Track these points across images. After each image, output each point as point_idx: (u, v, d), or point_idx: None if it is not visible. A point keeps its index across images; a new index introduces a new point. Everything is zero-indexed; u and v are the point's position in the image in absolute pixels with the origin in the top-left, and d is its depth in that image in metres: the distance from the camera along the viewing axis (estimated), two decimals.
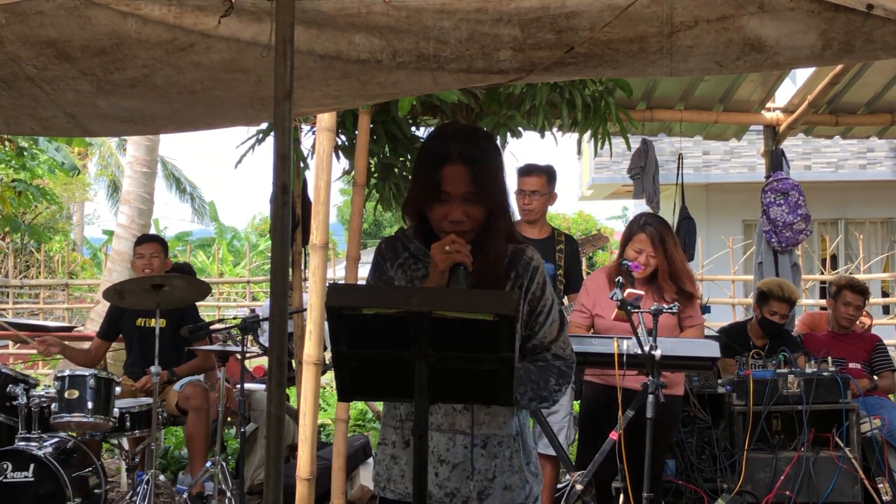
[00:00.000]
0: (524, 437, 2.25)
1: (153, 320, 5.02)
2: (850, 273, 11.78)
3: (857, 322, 5.95)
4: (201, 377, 5.44)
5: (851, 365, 5.64)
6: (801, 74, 7.94)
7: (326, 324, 1.95)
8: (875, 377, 5.68)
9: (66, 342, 5.59)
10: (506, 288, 2.17)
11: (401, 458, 2.19)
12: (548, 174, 5.02)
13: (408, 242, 2.25)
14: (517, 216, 5.11)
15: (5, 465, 4.42)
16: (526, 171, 5.00)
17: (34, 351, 11.94)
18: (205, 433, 5.11)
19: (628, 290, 3.88)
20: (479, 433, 2.14)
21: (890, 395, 5.87)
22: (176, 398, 5.20)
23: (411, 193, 2.24)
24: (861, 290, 5.82)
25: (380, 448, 2.26)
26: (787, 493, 4.91)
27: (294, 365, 5.23)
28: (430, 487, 2.11)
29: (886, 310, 12.56)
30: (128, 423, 4.88)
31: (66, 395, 4.60)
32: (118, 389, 4.79)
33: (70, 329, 9.00)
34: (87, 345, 6.00)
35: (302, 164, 5.33)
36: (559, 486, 4.87)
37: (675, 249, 4.22)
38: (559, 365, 2.23)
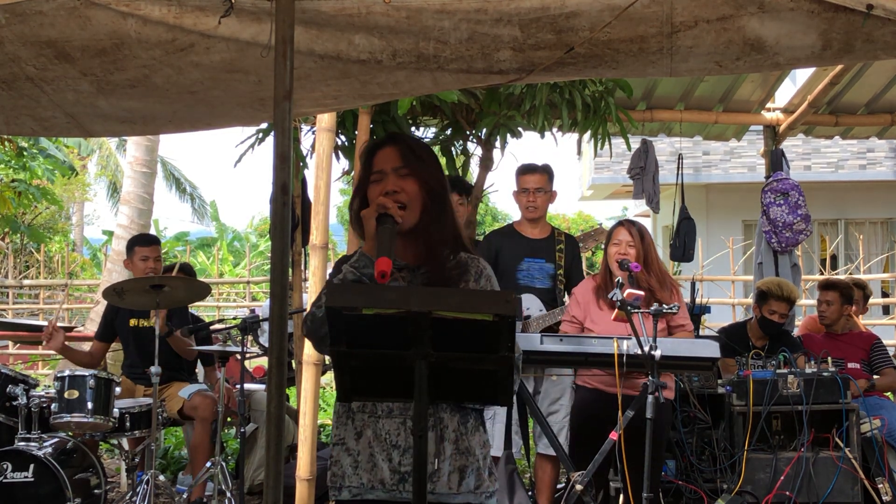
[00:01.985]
0: (475, 421, 2.24)
1: (147, 320, 5.01)
2: (850, 273, 11.79)
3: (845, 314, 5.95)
4: (205, 386, 5.38)
5: (850, 365, 5.64)
6: (801, 74, 7.94)
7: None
8: (875, 376, 5.68)
9: (67, 343, 5.58)
10: None
11: (354, 450, 2.19)
12: (548, 172, 5.03)
13: (351, 257, 2.27)
14: (519, 215, 5.12)
15: (5, 466, 4.42)
16: (528, 170, 5.00)
17: (34, 351, 11.94)
18: (209, 444, 5.08)
19: (628, 291, 3.88)
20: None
21: (889, 395, 5.87)
22: (181, 404, 5.17)
23: (352, 201, 2.34)
24: (828, 286, 5.89)
25: (335, 450, 2.23)
26: (787, 493, 4.90)
27: (294, 365, 5.22)
28: (383, 475, 2.14)
29: (886, 310, 12.56)
30: (128, 424, 4.87)
31: (65, 395, 4.59)
32: (118, 390, 4.78)
33: (70, 329, 8.98)
34: (87, 346, 6.00)
35: (301, 164, 5.32)
36: (559, 486, 4.87)
37: (653, 247, 4.23)
38: None
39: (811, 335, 5.97)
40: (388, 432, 2.16)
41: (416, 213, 2.22)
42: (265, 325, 5.08)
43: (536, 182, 4.95)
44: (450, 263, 2.26)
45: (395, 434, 2.16)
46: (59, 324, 5.74)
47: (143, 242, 5.55)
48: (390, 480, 2.15)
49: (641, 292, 3.97)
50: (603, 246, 4.50)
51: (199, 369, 5.98)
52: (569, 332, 4.31)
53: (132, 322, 5.37)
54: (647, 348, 3.68)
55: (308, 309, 2.27)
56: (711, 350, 3.99)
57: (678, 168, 7.09)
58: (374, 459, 2.17)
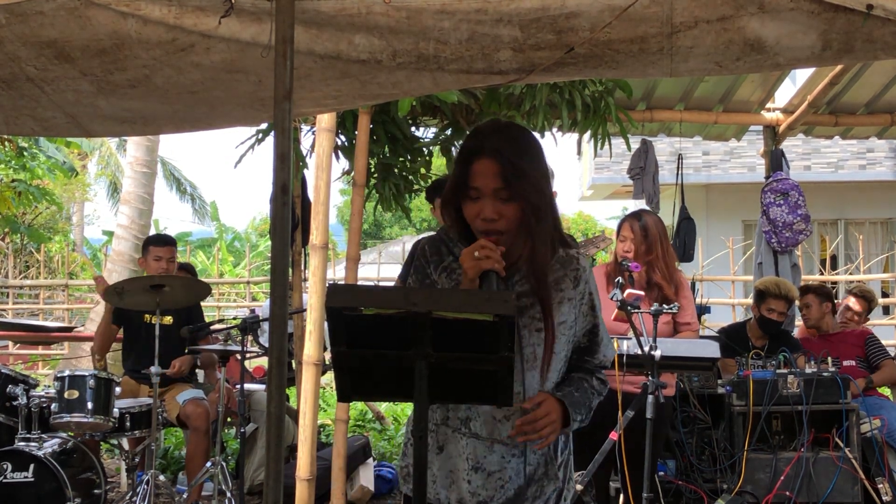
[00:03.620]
0: (561, 443, 2.22)
1: (163, 317, 4.98)
2: (850, 273, 11.79)
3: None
4: (202, 393, 5.35)
5: (846, 363, 5.62)
6: (801, 74, 7.94)
7: (326, 324, 1.95)
8: (873, 371, 5.67)
9: (67, 343, 5.58)
10: (555, 299, 2.12)
11: (433, 464, 2.14)
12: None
13: (452, 246, 2.18)
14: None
15: (5, 466, 4.42)
16: None
17: (34, 351, 11.92)
18: (204, 453, 5.06)
19: (628, 291, 3.88)
20: (519, 443, 2.10)
21: (889, 395, 5.87)
22: (177, 409, 5.17)
23: (446, 191, 2.17)
24: (804, 290, 5.97)
25: (408, 448, 2.23)
26: (787, 493, 4.91)
27: (294, 365, 5.22)
28: (463, 495, 2.12)
29: (886, 310, 12.56)
30: (128, 424, 4.87)
31: (65, 395, 4.59)
32: (118, 389, 4.78)
33: (70, 329, 8.99)
34: (87, 346, 5.99)
35: (301, 164, 5.32)
36: None
37: (660, 243, 4.19)
38: (598, 380, 2.24)
39: (808, 338, 5.98)
40: (472, 454, 2.11)
41: (512, 234, 2.08)
42: (265, 325, 5.08)
43: None
44: (545, 270, 2.12)
45: (481, 457, 2.11)
46: (58, 324, 5.73)
47: (157, 243, 5.53)
48: (469, 501, 2.12)
49: (641, 292, 3.97)
50: (605, 252, 4.50)
51: (199, 369, 5.98)
52: None
53: (146, 317, 5.28)
54: (647, 348, 3.68)
55: None
56: (711, 350, 3.99)
57: (678, 168, 7.09)
58: (453, 477, 2.13)
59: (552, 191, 2.19)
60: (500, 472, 2.11)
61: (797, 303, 5.95)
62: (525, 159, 2.07)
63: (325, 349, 4.13)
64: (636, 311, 3.77)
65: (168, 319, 4.88)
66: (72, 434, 4.76)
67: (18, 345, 12.04)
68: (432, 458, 2.14)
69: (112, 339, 5.50)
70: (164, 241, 5.57)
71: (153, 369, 4.64)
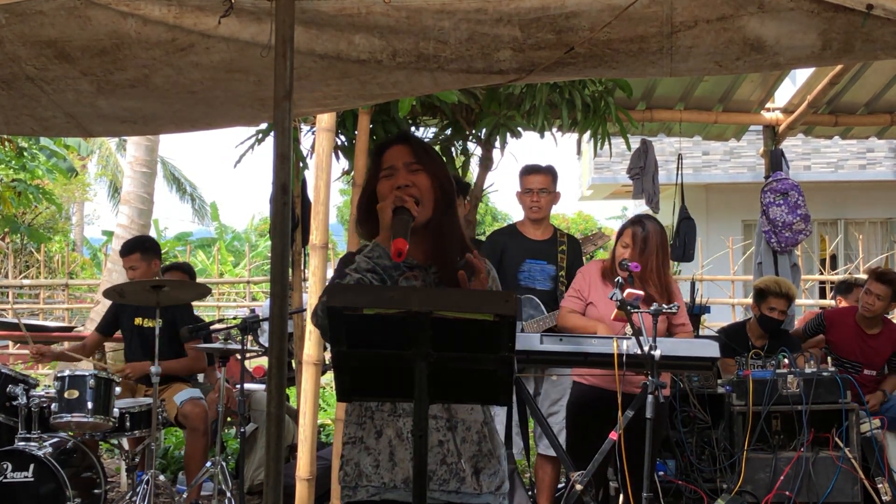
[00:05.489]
0: (493, 426, 2.27)
1: (151, 320, 5.00)
2: (850, 273, 11.78)
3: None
4: (199, 393, 5.34)
5: (866, 371, 5.56)
6: (801, 74, 7.94)
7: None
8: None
9: (66, 343, 5.57)
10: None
11: (374, 449, 2.17)
12: (552, 173, 5.03)
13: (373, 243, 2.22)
14: (521, 215, 5.12)
15: (5, 465, 4.42)
16: (532, 170, 4.99)
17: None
18: (202, 453, 5.05)
19: (628, 290, 3.88)
20: (448, 416, 2.17)
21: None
22: (176, 409, 5.16)
23: (363, 188, 2.35)
24: (883, 279, 5.59)
25: (349, 449, 2.21)
26: (787, 493, 4.91)
27: (294, 365, 5.22)
28: (406, 474, 2.13)
29: None
30: (128, 423, 4.87)
31: (66, 395, 4.59)
32: (118, 389, 4.78)
33: (70, 329, 8.99)
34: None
35: (301, 164, 5.32)
36: (559, 486, 4.87)
37: (657, 254, 4.17)
38: None
39: (840, 316, 5.79)
40: (411, 431, 2.12)
41: (428, 209, 2.23)
42: (265, 325, 5.08)
43: (540, 182, 4.95)
44: (459, 263, 2.23)
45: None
46: (58, 324, 5.73)
47: (121, 253, 5.51)
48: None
49: (641, 292, 3.96)
50: (603, 249, 4.51)
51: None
52: (571, 306, 4.32)
53: (136, 321, 5.33)
54: (646, 348, 3.68)
55: (317, 302, 2.24)
56: (711, 350, 3.98)
57: (678, 168, 7.09)
58: (394, 458, 2.16)
59: (455, 199, 2.35)
60: (439, 447, 2.15)
61: (867, 285, 5.63)
62: (431, 147, 2.37)
63: (325, 349, 4.13)
64: (636, 310, 3.77)
65: (151, 323, 4.88)
66: (72, 434, 4.75)
67: (18, 345, 12.03)
68: (371, 443, 2.18)
69: (89, 347, 5.52)
70: (125, 251, 5.46)
71: (153, 369, 4.64)
